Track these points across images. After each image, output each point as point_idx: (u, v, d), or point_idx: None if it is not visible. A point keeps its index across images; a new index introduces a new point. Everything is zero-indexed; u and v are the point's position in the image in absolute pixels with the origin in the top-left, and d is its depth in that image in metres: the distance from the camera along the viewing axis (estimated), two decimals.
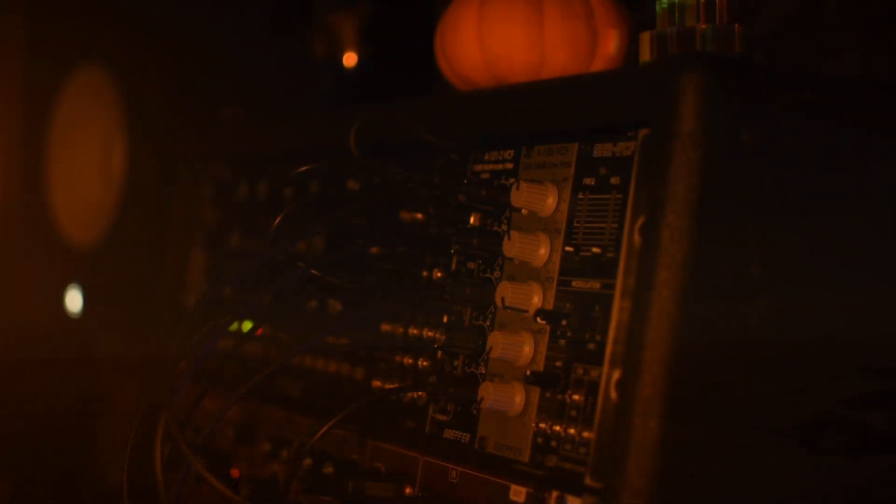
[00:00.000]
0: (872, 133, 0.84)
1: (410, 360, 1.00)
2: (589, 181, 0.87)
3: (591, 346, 0.83)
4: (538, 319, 0.86)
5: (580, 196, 0.87)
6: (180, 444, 0.94)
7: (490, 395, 0.87)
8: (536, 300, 0.88)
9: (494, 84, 1.05)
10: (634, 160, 0.83)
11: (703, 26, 0.93)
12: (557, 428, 0.84)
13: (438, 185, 0.99)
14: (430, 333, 0.99)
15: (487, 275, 0.94)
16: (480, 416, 0.92)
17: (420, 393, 0.98)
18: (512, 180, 0.93)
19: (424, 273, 1.00)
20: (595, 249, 0.85)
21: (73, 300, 1.70)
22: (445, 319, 0.98)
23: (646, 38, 0.96)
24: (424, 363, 0.99)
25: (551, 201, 0.89)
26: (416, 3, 1.53)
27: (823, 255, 0.81)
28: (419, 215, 1.03)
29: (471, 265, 0.96)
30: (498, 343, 0.88)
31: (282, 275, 1.04)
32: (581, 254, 0.86)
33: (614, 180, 0.85)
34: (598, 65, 1.03)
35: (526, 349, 0.88)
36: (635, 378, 0.77)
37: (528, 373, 0.86)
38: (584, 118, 0.87)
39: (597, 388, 0.82)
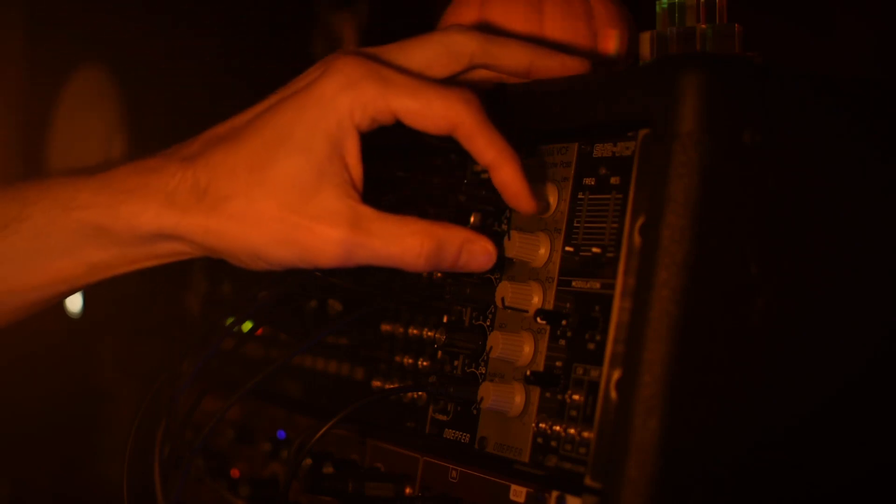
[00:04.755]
0: (873, 133, 0.84)
1: (410, 360, 1.00)
2: (589, 181, 0.87)
3: (591, 346, 0.83)
4: (538, 319, 0.86)
5: (580, 196, 0.87)
6: (180, 444, 0.94)
7: (490, 395, 0.87)
8: (536, 300, 0.88)
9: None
10: (634, 160, 0.83)
11: (703, 26, 0.93)
12: (557, 428, 0.84)
13: (438, 185, 0.99)
14: (430, 333, 0.99)
15: (487, 275, 0.94)
16: (480, 416, 0.92)
17: (420, 393, 0.98)
18: None
19: (424, 273, 1.00)
20: (595, 249, 0.85)
21: (73, 300, 1.70)
22: (445, 319, 0.98)
23: (646, 38, 0.96)
24: (424, 363, 0.99)
25: (551, 201, 0.89)
26: (416, 3, 1.53)
27: (824, 256, 0.81)
28: None
29: None
30: (498, 343, 0.88)
31: (282, 275, 1.04)
32: (581, 254, 0.86)
33: (614, 180, 0.85)
34: (598, 64, 1.03)
35: (526, 349, 0.88)
36: (635, 378, 0.77)
37: (528, 373, 0.86)
38: (584, 118, 0.87)
39: (597, 388, 0.82)
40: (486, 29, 1.02)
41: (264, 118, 0.89)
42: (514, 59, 0.92)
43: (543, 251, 0.89)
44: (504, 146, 0.86)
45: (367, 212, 0.88)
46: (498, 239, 0.91)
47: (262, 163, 0.87)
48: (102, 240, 0.91)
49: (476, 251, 0.89)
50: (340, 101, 0.87)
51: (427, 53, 0.91)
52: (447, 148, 1.01)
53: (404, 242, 0.87)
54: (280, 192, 0.87)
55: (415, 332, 1.00)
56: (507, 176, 0.86)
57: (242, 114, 0.92)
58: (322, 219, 0.87)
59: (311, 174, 0.87)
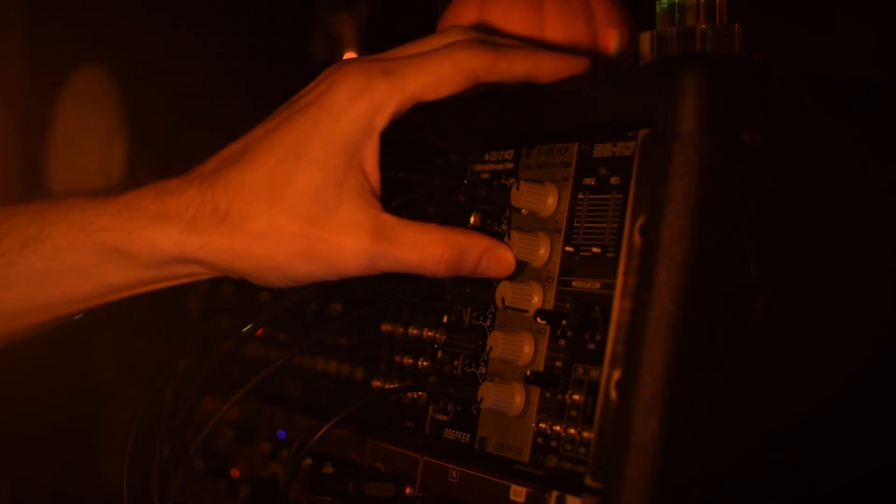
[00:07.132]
0: (873, 133, 0.84)
1: (410, 360, 1.00)
2: (589, 181, 0.87)
3: (591, 346, 0.83)
4: (538, 319, 0.86)
5: (580, 196, 0.87)
6: (180, 444, 0.94)
7: (490, 395, 0.87)
8: (536, 300, 0.88)
9: None
10: (634, 160, 0.83)
11: (703, 26, 0.93)
12: (557, 428, 0.84)
13: (438, 185, 0.99)
14: (430, 333, 0.99)
15: None
16: (480, 416, 0.92)
17: (420, 393, 0.98)
18: (512, 180, 0.93)
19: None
20: (595, 249, 0.85)
21: None
22: (445, 319, 0.98)
23: (646, 38, 0.96)
24: (424, 363, 0.99)
25: (551, 201, 0.89)
26: (416, 3, 1.53)
27: (824, 256, 0.81)
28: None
29: None
30: (498, 343, 0.88)
31: None
32: (581, 254, 0.86)
33: (614, 180, 0.85)
34: (598, 64, 1.03)
35: (526, 349, 0.88)
36: (635, 378, 0.77)
37: (528, 373, 0.86)
38: (584, 118, 0.87)
39: (597, 388, 0.82)
40: (486, 30, 1.02)
41: (277, 135, 0.89)
42: (515, 73, 0.91)
43: (543, 251, 0.89)
44: (522, 54, 0.86)
45: (389, 220, 0.88)
46: (498, 239, 0.91)
47: (280, 181, 0.87)
48: (121, 262, 0.91)
49: (494, 259, 0.89)
50: (355, 110, 0.87)
51: (438, 72, 0.90)
52: (447, 148, 1.01)
53: (425, 251, 0.88)
54: (301, 208, 0.87)
55: (415, 332, 1.00)
56: (551, 68, 0.86)
57: (254, 130, 0.92)
58: (345, 231, 0.87)
59: (331, 188, 0.87)
